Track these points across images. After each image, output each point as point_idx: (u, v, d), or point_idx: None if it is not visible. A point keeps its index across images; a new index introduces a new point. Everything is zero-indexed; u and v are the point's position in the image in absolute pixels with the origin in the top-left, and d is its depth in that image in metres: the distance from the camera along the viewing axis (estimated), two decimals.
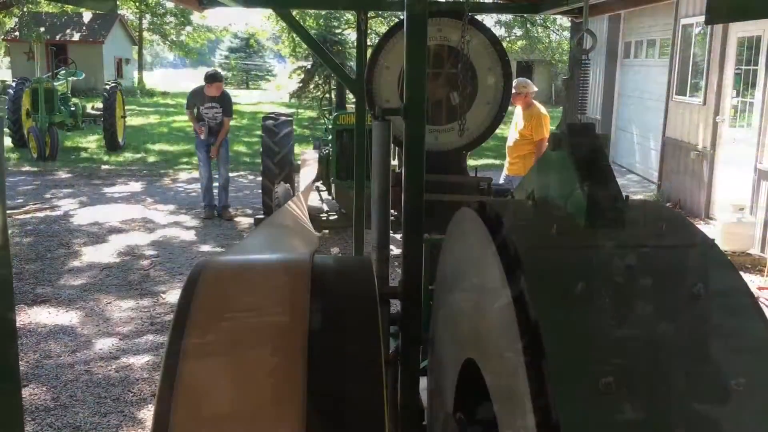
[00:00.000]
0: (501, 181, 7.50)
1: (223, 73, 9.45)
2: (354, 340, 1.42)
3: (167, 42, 42.56)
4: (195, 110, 9.09)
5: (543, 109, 7.40)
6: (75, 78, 16.70)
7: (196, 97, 9.14)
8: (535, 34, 27.93)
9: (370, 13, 4.56)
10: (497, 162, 14.77)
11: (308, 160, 8.49)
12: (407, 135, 2.11)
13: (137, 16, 38.02)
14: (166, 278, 6.82)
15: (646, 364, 1.14)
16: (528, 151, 7.23)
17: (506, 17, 27.45)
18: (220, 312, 1.43)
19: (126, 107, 16.73)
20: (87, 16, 34.33)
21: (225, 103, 9.23)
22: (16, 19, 29.26)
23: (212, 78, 9.22)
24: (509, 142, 7.57)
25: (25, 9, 26.83)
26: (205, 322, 1.39)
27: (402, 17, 3.03)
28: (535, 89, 7.49)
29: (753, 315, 1.23)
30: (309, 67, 23.91)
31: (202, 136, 9.01)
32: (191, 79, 10.24)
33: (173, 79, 47.92)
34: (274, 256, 1.97)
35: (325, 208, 8.46)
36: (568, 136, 1.55)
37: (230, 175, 9.93)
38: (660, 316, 1.21)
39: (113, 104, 14.89)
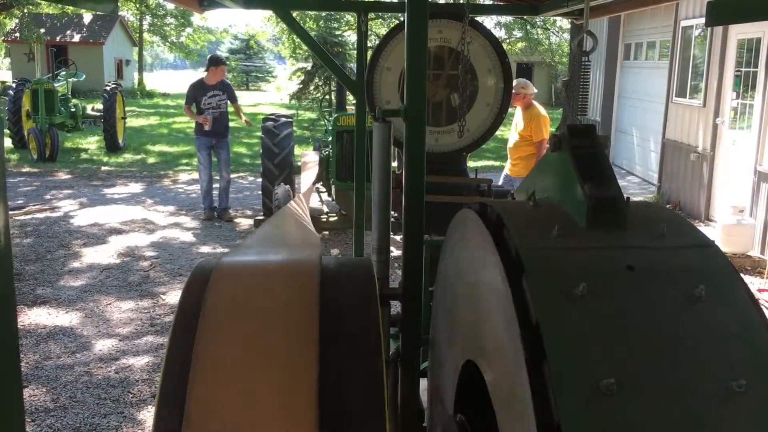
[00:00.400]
0: (500, 182, 7.51)
1: (224, 77, 9.41)
2: (355, 342, 1.42)
3: (167, 43, 42.61)
4: (194, 106, 9.01)
5: (543, 111, 7.41)
6: (75, 79, 16.71)
7: (196, 90, 9.03)
8: (535, 36, 27.97)
9: (371, 15, 4.57)
10: (497, 164, 14.79)
11: (309, 162, 8.50)
12: (407, 136, 2.11)
13: (137, 17, 38.07)
14: (166, 279, 6.82)
15: (647, 365, 1.14)
16: (528, 152, 7.24)
17: (506, 19, 27.51)
18: (236, 313, 1.42)
19: (126, 108, 16.75)
20: (87, 17, 34.37)
21: (227, 89, 9.22)
22: (17, 20, 29.28)
23: (217, 61, 9.23)
24: (510, 144, 7.59)
25: (25, 10, 26.85)
26: (221, 323, 1.38)
27: (402, 19, 3.03)
28: (535, 90, 7.50)
29: (753, 317, 1.24)
30: (309, 68, 23.95)
31: (207, 127, 8.84)
32: (192, 80, 10.29)
33: (173, 80, 47.96)
34: (282, 257, 1.96)
35: (325, 209, 8.46)
36: (568, 137, 1.56)
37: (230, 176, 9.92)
38: (661, 317, 1.21)
39: (113, 105, 14.89)
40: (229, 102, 9.16)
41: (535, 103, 7.42)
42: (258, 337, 1.37)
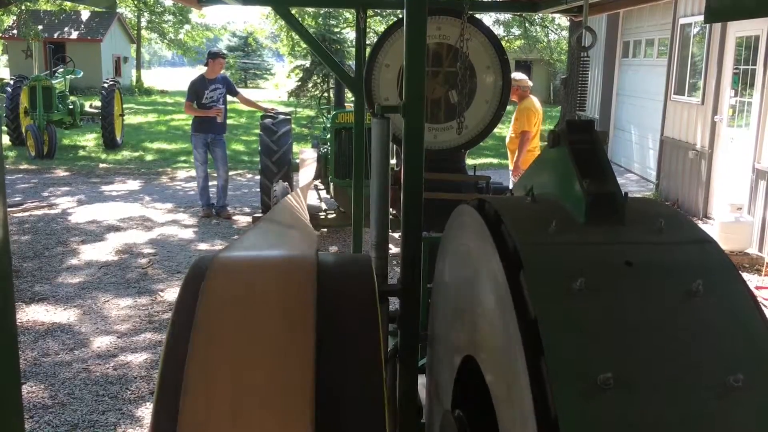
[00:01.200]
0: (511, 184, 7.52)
1: (222, 72, 9.49)
2: (353, 338, 1.42)
3: (166, 40, 42.51)
4: (195, 104, 9.01)
5: (537, 104, 7.40)
6: (73, 76, 16.68)
7: (198, 85, 9.05)
8: (534, 34, 27.96)
9: (369, 12, 4.56)
10: (495, 161, 14.80)
11: (307, 159, 8.50)
12: (406, 133, 2.11)
13: (136, 14, 37.98)
14: (164, 276, 6.82)
15: (645, 360, 1.14)
16: (517, 146, 7.28)
17: (505, 16, 27.49)
18: (230, 308, 1.42)
19: (124, 105, 16.72)
20: (85, 14, 34.29)
21: (228, 83, 9.33)
22: (14, 17, 29.21)
23: (216, 54, 9.36)
24: (507, 139, 7.63)
25: (23, 7, 26.79)
26: (215, 319, 1.38)
27: (401, 15, 3.03)
28: (530, 83, 7.50)
29: (751, 312, 1.24)
30: (308, 65, 23.90)
31: (220, 119, 8.93)
32: (190, 77, 10.28)
33: (171, 77, 47.87)
34: (278, 252, 1.96)
35: (324, 206, 8.46)
36: (567, 132, 1.56)
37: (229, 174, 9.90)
38: (659, 312, 1.21)
39: (111, 102, 14.88)
40: (230, 95, 9.22)
41: (532, 97, 7.42)
42: (252, 332, 1.37)
